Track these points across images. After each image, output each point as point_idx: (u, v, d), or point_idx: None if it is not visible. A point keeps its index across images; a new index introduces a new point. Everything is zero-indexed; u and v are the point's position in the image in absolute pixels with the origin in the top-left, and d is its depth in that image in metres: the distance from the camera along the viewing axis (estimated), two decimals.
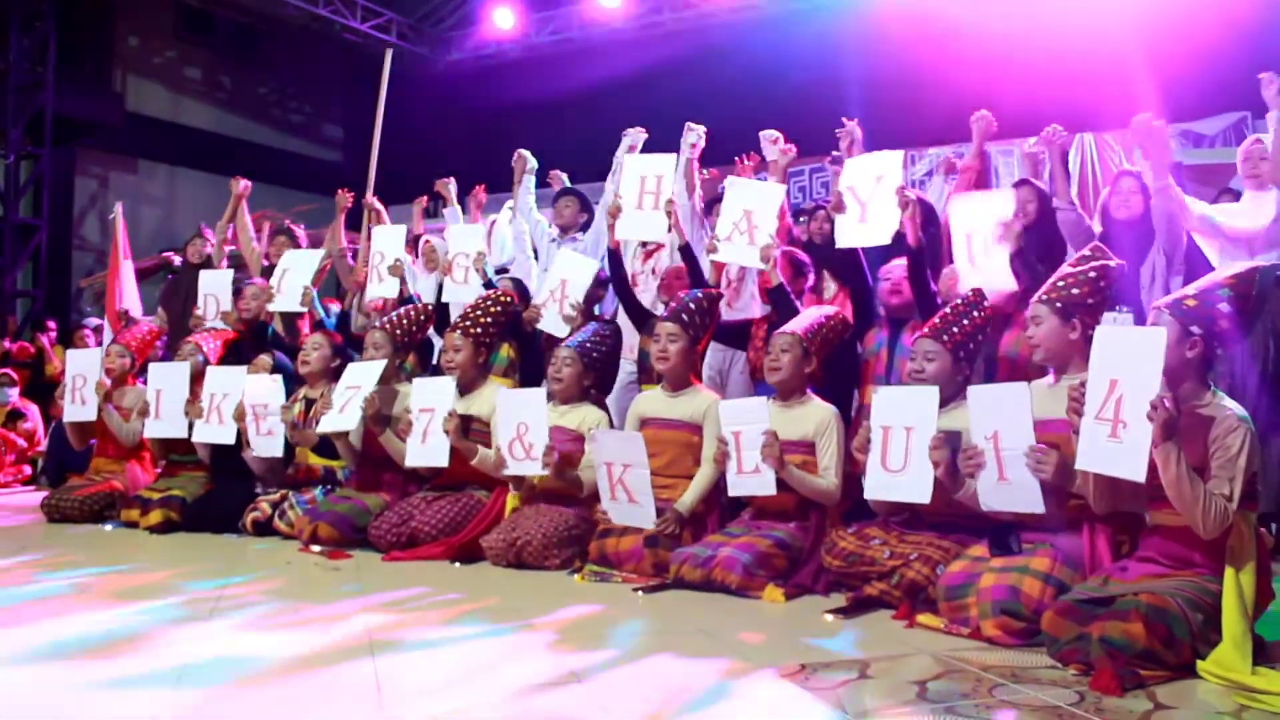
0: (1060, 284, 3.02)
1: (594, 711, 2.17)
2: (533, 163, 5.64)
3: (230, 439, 4.77)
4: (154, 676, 2.40)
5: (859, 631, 2.88)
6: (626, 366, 4.80)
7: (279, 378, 4.78)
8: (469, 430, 4.21)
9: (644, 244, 5.01)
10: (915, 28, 8.64)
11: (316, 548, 4.16)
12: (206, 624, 2.93)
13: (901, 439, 3.13)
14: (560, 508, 3.96)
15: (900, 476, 3.13)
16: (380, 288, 5.15)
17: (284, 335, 5.50)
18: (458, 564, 3.88)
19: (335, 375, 4.67)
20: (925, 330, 3.37)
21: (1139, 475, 2.45)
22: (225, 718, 2.17)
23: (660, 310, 4.45)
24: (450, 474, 4.26)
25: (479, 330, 4.38)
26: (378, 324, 4.72)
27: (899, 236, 3.85)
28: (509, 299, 4.55)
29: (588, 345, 4.21)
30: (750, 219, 4.11)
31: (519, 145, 5.84)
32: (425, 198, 6.53)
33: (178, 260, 7.20)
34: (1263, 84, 4.22)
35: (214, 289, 5.53)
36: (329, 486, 4.63)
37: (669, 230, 4.39)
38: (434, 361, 4.97)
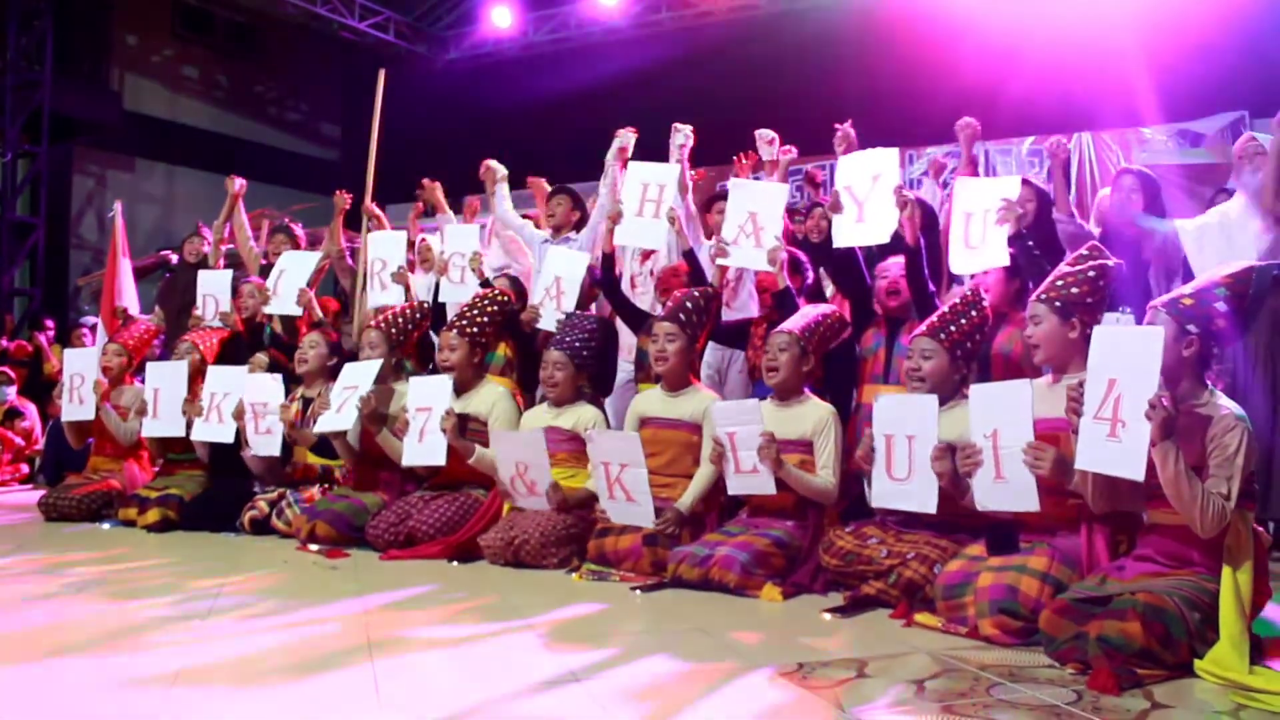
0: (1059, 283, 3.02)
1: (592, 711, 2.17)
2: (502, 171, 5.51)
3: (230, 438, 4.77)
4: (151, 676, 2.40)
5: (857, 630, 2.88)
6: (625, 366, 4.80)
7: (279, 376, 4.77)
8: (465, 429, 4.21)
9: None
10: (914, 27, 8.65)
11: (314, 546, 4.16)
12: (204, 623, 2.93)
13: (904, 448, 3.15)
14: None
15: (906, 485, 3.16)
16: (384, 295, 5.10)
17: (282, 334, 5.50)
18: (455, 563, 3.88)
19: (333, 374, 4.66)
20: (922, 329, 3.38)
21: (1138, 475, 2.45)
22: (223, 717, 2.17)
23: (660, 310, 4.44)
24: (448, 473, 4.25)
25: (475, 330, 4.38)
26: (373, 323, 4.71)
27: (896, 235, 3.85)
28: (505, 298, 4.55)
29: (577, 345, 4.19)
30: (755, 221, 4.11)
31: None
32: (421, 204, 6.52)
33: (175, 259, 7.19)
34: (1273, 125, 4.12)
35: (213, 289, 5.52)
36: (327, 485, 4.63)
37: (671, 236, 4.40)
38: (433, 364, 4.95)
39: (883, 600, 3.09)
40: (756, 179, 4.77)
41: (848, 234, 4.00)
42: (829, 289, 4.86)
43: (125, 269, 6.88)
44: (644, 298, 4.81)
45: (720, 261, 4.18)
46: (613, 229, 4.44)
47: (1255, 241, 4.04)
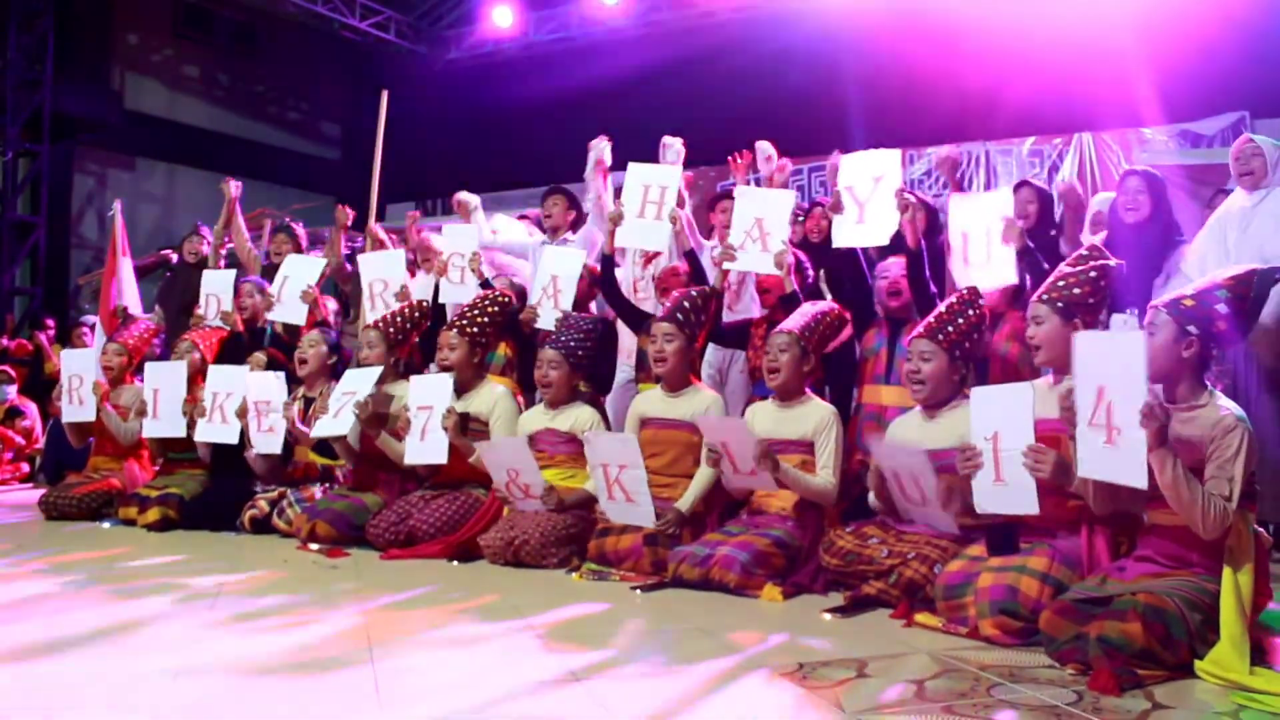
0: (1061, 283, 3.02)
1: (592, 711, 2.17)
2: (474, 201, 5.41)
3: (234, 439, 4.76)
4: (151, 675, 2.40)
5: (857, 630, 2.88)
6: (625, 367, 4.80)
7: (281, 375, 4.77)
8: (466, 429, 4.21)
9: (643, 250, 5.00)
10: (915, 27, 8.65)
11: (314, 546, 4.16)
12: (204, 622, 2.92)
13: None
14: None
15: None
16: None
17: (283, 334, 5.50)
18: (456, 562, 3.88)
19: (333, 373, 4.66)
20: (920, 330, 3.36)
21: (1140, 481, 2.44)
22: (223, 716, 2.17)
23: (660, 312, 4.44)
24: (448, 472, 4.25)
25: (475, 330, 4.38)
26: (372, 322, 4.71)
27: (898, 237, 3.85)
28: (507, 299, 4.55)
29: (572, 345, 4.19)
30: (761, 226, 4.11)
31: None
32: (418, 212, 6.52)
33: (176, 258, 7.19)
34: None
35: (216, 289, 5.52)
36: (327, 485, 4.63)
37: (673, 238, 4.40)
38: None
39: (883, 600, 3.09)
40: (755, 178, 4.77)
41: (848, 235, 4.00)
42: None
43: (126, 268, 6.87)
44: (646, 304, 4.80)
45: (728, 266, 4.18)
46: (614, 231, 4.44)
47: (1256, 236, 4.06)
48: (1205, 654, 2.36)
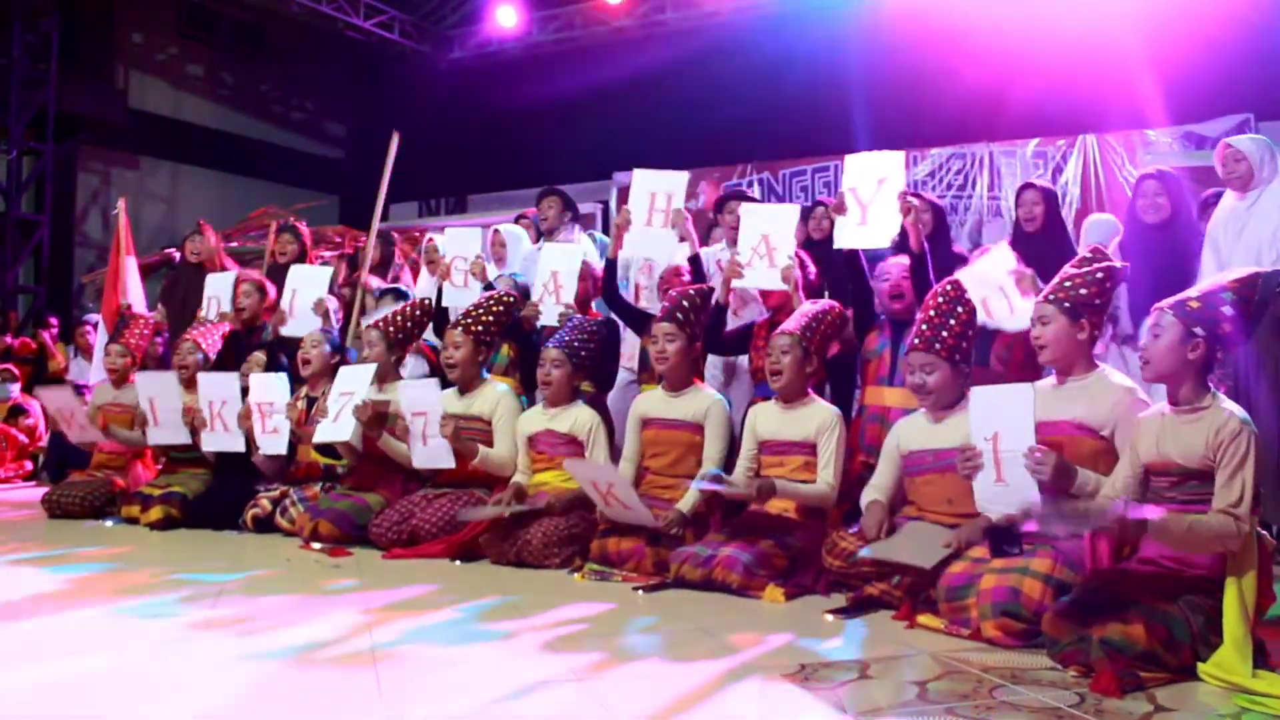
0: (1067, 284, 3.01)
1: (594, 711, 2.17)
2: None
3: (240, 447, 4.77)
4: (152, 674, 2.40)
5: (859, 632, 2.88)
6: (628, 368, 4.80)
7: (284, 375, 4.76)
8: (468, 430, 4.20)
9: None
10: (919, 28, 8.65)
11: (317, 545, 4.16)
12: (206, 621, 2.93)
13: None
14: None
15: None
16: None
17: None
18: (458, 562, 3.88)
19: (336, 373, 4.65)
20: (916, 342, 3.29)
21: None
22: (224, 715, 2.17)
23: None
24: (451, 472, 4.25)
25: (480, 329, 4.37)
26: (371, 321, 4.71)
27: (901, 239, 3.85)
28: (512, 298, 4.55)
29: (575, 344, 4.18)
30: (768, 242, 4.12)
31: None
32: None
33: (179, 257, 7.19)
34: None
35: (217, 290, 5.53)
36: (330, 484, 4.63)
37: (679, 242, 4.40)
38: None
39: (885, 602, 3.09)
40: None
41: (850, 236, 3.99)
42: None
43: (130, 266, 6.88)
44: (653, 310, 4.79)
45: (736, 283, 4.18)
46: (620, 237, 4.44)
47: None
48: (1208, 656, 2.36)
